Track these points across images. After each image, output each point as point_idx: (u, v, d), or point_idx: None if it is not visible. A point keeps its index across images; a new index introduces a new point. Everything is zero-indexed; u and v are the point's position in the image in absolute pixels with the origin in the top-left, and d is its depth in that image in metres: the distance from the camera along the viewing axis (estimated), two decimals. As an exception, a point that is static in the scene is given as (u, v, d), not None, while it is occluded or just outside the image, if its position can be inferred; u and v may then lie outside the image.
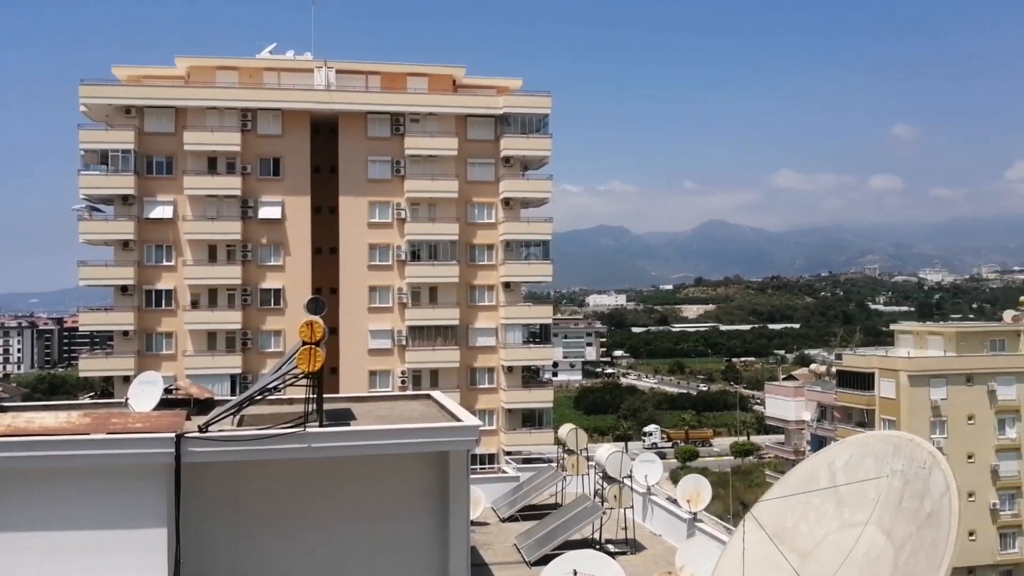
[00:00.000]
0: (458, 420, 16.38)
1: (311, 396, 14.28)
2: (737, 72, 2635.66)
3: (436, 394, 20.05)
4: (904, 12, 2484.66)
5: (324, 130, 64.07)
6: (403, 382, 63.56)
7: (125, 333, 61.34)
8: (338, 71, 64.37)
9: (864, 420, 72.75)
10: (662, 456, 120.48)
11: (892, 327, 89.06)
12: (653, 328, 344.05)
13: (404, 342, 63.94)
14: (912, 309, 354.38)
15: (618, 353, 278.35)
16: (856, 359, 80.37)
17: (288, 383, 14.71)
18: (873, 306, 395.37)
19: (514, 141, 64.98)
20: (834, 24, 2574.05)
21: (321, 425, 14.37)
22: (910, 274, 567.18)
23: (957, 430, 70.23)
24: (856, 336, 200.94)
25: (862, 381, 74.45)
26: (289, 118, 62.71)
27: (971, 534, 69.03)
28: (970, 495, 69.37)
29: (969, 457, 70.14)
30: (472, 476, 31.52)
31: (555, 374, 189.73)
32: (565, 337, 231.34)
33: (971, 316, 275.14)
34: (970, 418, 70.56)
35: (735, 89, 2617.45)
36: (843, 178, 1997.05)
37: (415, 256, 64.31)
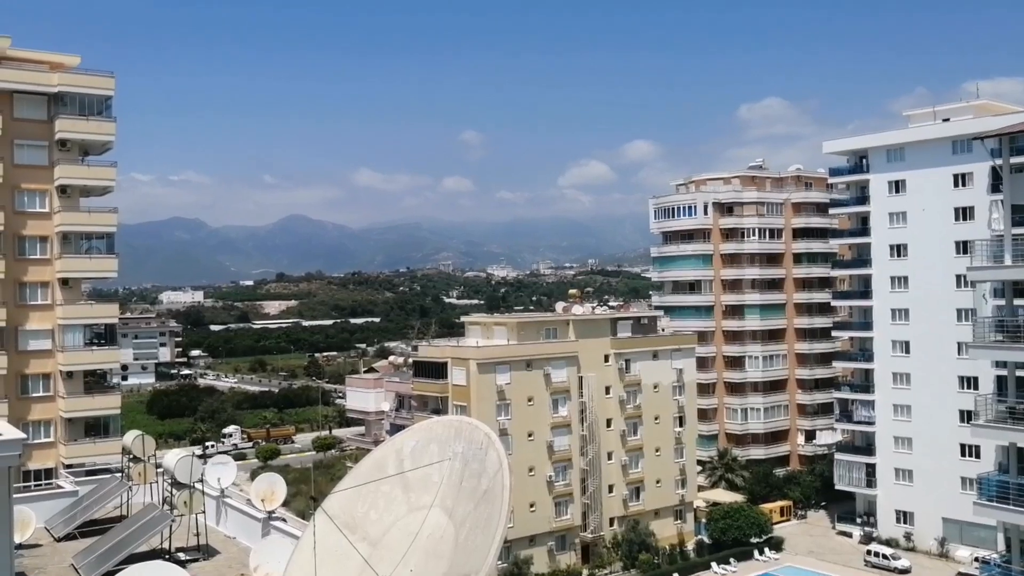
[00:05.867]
0: (-5, 433, 14.50)
1: None
2: (309, 71, 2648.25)
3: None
4: (465, 26, 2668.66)
5: None
6: (-64, 394, 55.21)
7: None
8: None
9: (439, 407, 76.62)
10: (243, 457, 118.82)
11: (463, 319, 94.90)
12: (233, 326, 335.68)
13: (-64, 348, 55.56)
14: (482, 302, 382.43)
15: (195, 353, 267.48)
16: (431, 350, 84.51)
17: None
18: (448, 300, 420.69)
19: (71, 123, 59.05)
20: (392, 38, 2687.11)
21: None
22: (480, 270, 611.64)
23: (519, 411, 76.61)
24: (432, 328, 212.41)
25: (437, 370, 78.38)
26: None
27: (531, 505, 75.77)
28: (530, 470, 76.12)
29: (529, 435, 76.91)
30: (20, 495, 28.24)
31: (125, 378, 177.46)
32: (136, 338, 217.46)
33: (531, 307, 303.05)
34: (529, 400, 77.36)
35: (308, 88, 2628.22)
36: (419, 179, 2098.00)
37: (-51, 249, 56.08)
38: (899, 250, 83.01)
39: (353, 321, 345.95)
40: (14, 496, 14.81)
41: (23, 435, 14.44)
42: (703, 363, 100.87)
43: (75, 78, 59.99)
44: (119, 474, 29.30)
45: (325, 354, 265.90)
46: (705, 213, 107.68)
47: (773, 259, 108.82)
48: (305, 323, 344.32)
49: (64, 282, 59.49)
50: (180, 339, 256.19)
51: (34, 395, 58.96)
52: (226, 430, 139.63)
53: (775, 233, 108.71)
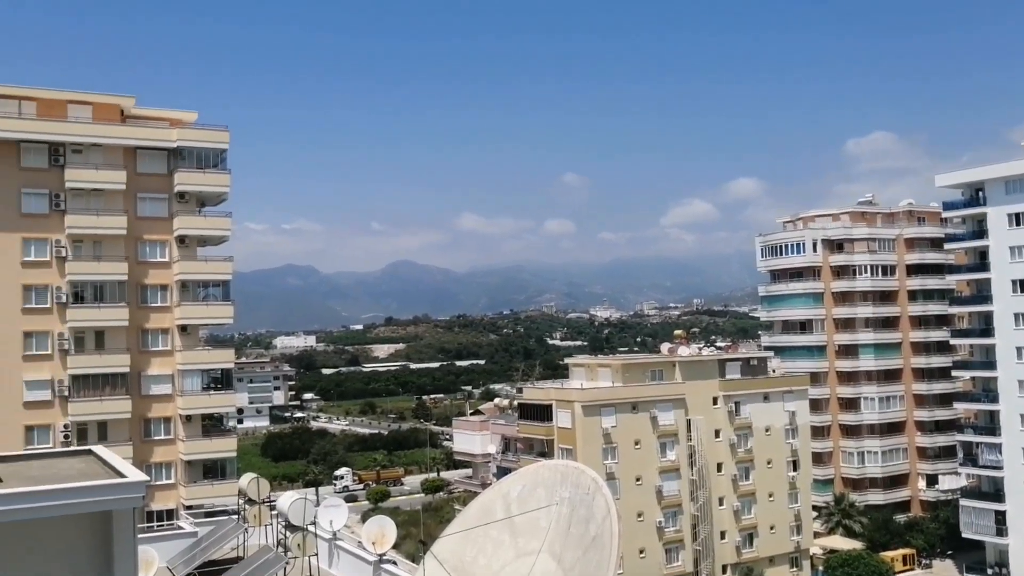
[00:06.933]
0: (122, 476, 15.09)
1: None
2: (416, 118, 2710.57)
3: (98, 449, 18.37)
4: (545, 69, 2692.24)
5: (-31, 159, 57.39)
6: (66, 437, 57.87)
7: None
8: (-15, 95, 58.10)
9: (545, 450, 76.34)
10: (353, 499, 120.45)
11: (567, 361, 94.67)
12: (344, 369, 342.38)
13: (67, 393, 58.32)
14: (585, 343, 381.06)
15: (308, 396, 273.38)
16: (535, 392, 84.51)
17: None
18: (551, 341, 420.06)
19: (189, 176, 61.85)
20: (512, 88, 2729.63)
21: (-46, 491, 12.65)
22: (583, 311, 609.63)
23: (626, 455, 75.68)
24: (536, 370, 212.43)
25: (541, 413, 78.26)
26: (-75, 145, 55.59)
27: (641, 552, 74.48)
28: (639, 515, 74.92)
29: (637, 480, 75.83)
30: (143, 535, 29.28)
31: (240, 421, 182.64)
32: (251, 382, 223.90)
33: (636, 348, 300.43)
34: (636, 443, 76.37)
35: (416, 134, 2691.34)
36: (521, 222, 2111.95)
37: (78, 298, 59.01)
38: (1022, 285, 79.36)
39: (459, 363, 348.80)
40: (138, 536, 15.34)
41: (146, 477, 14.98)
42: (816, 405, 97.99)
43: (192, 133, 62.91)
44: (236, 516, 30.06)
45: (432, 396, 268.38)
46: (814, 250, 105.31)
47: (887, 296, 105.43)
48: (412, 366, 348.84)
49: (183, 328, 61.96)
50: (293, 382, 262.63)
51: (156, 438, 61.29)
52: (337, 472, 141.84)
53: (888, 270, 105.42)
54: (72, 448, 32.70)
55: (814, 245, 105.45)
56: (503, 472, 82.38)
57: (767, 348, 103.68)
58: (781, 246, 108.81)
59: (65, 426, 58.14)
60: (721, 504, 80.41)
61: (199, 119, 65.24)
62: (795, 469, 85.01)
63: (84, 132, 59.34)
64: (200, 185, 62.32)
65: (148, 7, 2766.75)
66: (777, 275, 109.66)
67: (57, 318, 58.51)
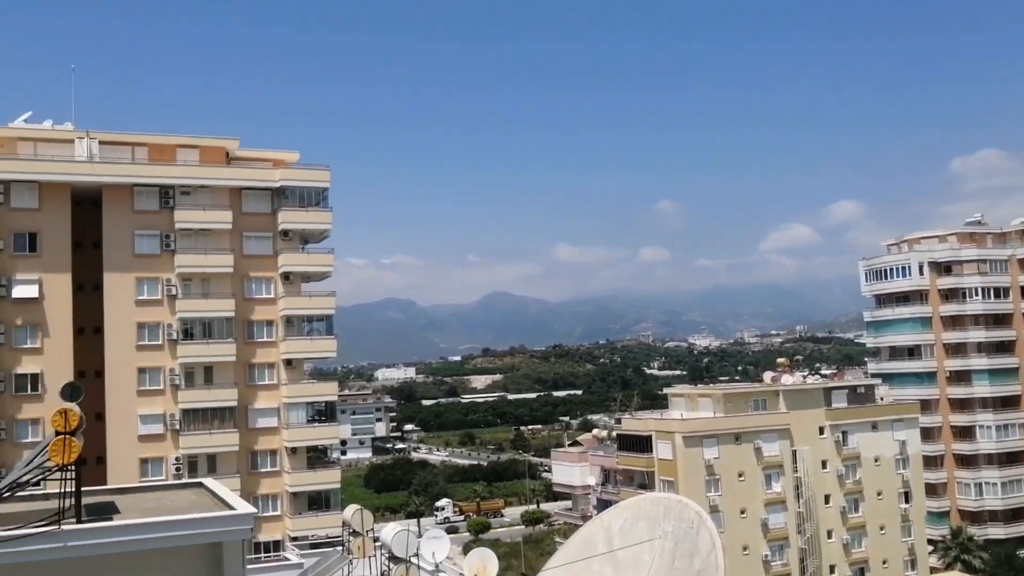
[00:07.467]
0: (231, 508, 15.54)
1: (67, 490, 13.19)
2: (509, 149, 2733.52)
3: (208, 481, 18.96)
4: (642, 106, 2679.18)
5: (87, 203, 60.32)
6: (178, 469, 59.86)
7: None
8: (101, 142, 61.03)
9: (645, 482, 75.38)
10: (455, 530, 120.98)
11: (666, 391, 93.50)
12: (443, 400, 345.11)
13: (178, 426, 60.38)
14: (684, 372, 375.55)
15: (409, 427, 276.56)
16: (634, 423, 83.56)
17: (41, 477, 13.50)
18: (649, 371, 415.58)
19: (292, 214, 63.78)
20: (591, 115, 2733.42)
21: (78, 521, 13.24)
22: (681, 340, 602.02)
23: (730, 487, 74.07)
24: (634, 400, 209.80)
25: (641, 444, 77.32)
26: (47, 191, 58.64)
27: (745, 585, 72.62)
28: (744, 549, 73.12)
29: (742, 512, 74.11)
30: (251, 566, 30.03)
31: (343, 452, 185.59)
32: (353, 414, 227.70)
33: (737, 377, 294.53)
34: (740, 475, 74.72)
35: (508, 166, 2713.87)
36: (616, 251, 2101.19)
37: (188, 334, 61.27)
38: None
39: (555, 394, 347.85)
40: (247, 567, 15.72)
41: (254, 509, 15.38)
42: (928, 434, 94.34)
43: (295, 173, 64.91)
44: (340, 547, 30.50)
45: (530, 427, 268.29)
46: (921, 273, 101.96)
47: (1000, 320, 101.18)
48: (510, 396, 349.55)
49: (288, 363, 63.61)
50: (394, 414, 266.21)
51: (262, 470, 62.84)
52: (438, 503, 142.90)
53: (1001, 292, 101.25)
54: (184, 480, 33.83)
55: (921, 268, 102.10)
56: (603, 504, 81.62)
57: (874, 375, 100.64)
58: (886, 270, 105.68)
59: (176, 459, 60.15)
60: (830, 537, 77.86)
61: (300, 159, 67.36)
62: (907, 501, 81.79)
63: (192, 175, 61.88)
64: (303, 223, 64.19)
65: (252, 63, 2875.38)
66: (883, 300, 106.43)
67: (168, 354, 60.81)
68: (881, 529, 79.98)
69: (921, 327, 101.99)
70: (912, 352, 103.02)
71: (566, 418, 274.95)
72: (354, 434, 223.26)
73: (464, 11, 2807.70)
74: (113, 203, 60.28)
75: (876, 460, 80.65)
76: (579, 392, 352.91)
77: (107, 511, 15.31)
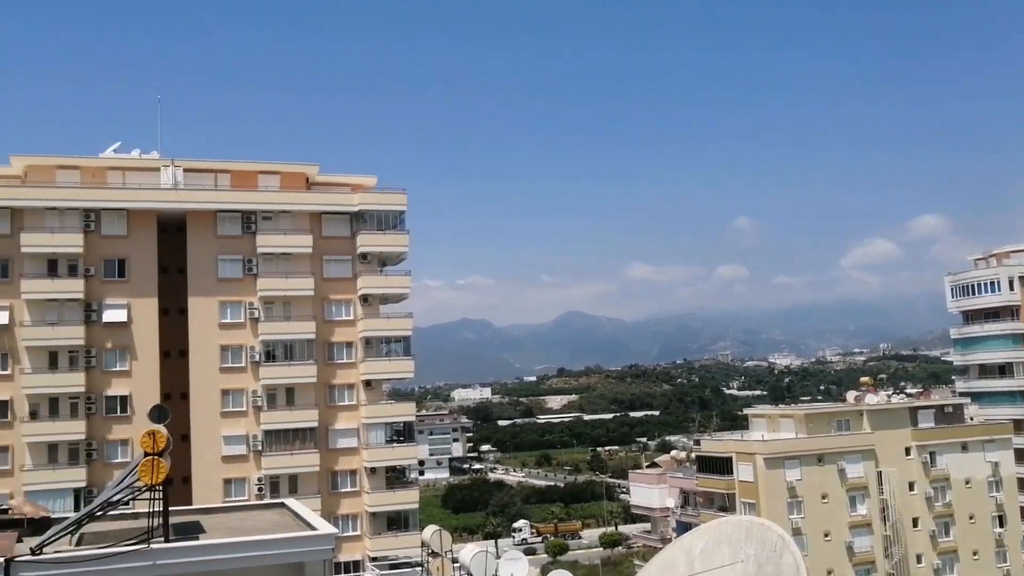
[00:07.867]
0: (313, 529, 15.77)
1: (155, 510, 13.52)
2: (581, 167, 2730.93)
3: (290, 502, 19.28)
4: (725, 122, 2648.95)
5: (172, 230, 62.20)
6: (260, 489, 60.93)
7: (-48, 451, 56.82)
8: (186, 169, 63.01)
9: (726, 504, 74.03)
10: (532, 552, 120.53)
11: (746, 411, 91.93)
12: (519, 420, 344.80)
13: (260, 447, 61.54)
14: (764, 392, 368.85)
15: (485, 447, 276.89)
16: (714, 444, 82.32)
17: (131, 497, 13.85)
18: (728, 391, 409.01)
19: (370, 238, 64.79)
20: (663, 131, 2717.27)
21: (167, 540, 13.56)
22: (760, 359, 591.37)
23: (813, 509, 72.39)
24: (713, 421, 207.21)
25: (721, 465, 76.08)
26: (135, 218, 60.69)
27: (831, 611, 70.68)
28: (829, 572, 71.25)
29: (826, 535, 72.28)
30: (333, 585, 30.24)
31: (421, 472, 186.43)
32: (431, 434, 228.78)
33: (819, 397, 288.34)
34: (824, 497, 72.95)
35: (578, 183, 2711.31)
36: (692, 269, 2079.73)
37: (270, 357, 62.51)
38: None
39: (632, 414, 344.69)
40: (329, 588, 15.86)
41: (336, 529, 15.57)
42: (1022, 455, 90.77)
43: (373, 197, 65.96)
44: (419, 567, 30.64)
45: (607, 448, 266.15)
46: (1011, 288, 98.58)
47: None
48: (586, 417, 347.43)
49: (367, 383, 64.42)
50: (471, 434, 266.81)
51: (343, 490, 63.59)
52: (516, 524, 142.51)
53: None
54: (266, 501, 34.42)
55: (1011, 282, 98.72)
56: (683, 527, 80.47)
57: (963, 394, 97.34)
58: (974, 285, 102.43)
59: (259, 479, 61.27)
60: (919, 562, 75.41)
61: (378, 183, 68.48)
62: (1002, 525, 78.84)
63: (274, 200, 63.36)
64: (381, 246, 65.17)
65: (331, 89, 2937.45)
66: (970, 316, 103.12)
67: (251, 376, 62.14)
68: (975, 555, 77.22)
69: (1012, 344, 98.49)
70: (1003, 370, 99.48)
71: (643, 439, 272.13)
72: (431, 454, 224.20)
73: (541, 22, 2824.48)
74: (197, 229, 62.04)
75: (967, 482, 78.02)
76: (656, 413, 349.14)
77: (193, 531, 15.67)
